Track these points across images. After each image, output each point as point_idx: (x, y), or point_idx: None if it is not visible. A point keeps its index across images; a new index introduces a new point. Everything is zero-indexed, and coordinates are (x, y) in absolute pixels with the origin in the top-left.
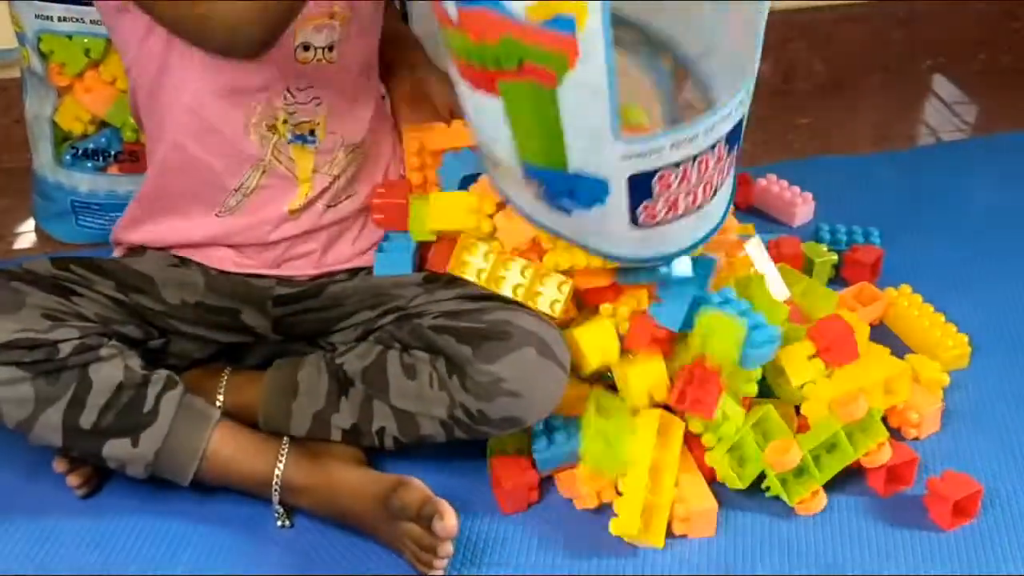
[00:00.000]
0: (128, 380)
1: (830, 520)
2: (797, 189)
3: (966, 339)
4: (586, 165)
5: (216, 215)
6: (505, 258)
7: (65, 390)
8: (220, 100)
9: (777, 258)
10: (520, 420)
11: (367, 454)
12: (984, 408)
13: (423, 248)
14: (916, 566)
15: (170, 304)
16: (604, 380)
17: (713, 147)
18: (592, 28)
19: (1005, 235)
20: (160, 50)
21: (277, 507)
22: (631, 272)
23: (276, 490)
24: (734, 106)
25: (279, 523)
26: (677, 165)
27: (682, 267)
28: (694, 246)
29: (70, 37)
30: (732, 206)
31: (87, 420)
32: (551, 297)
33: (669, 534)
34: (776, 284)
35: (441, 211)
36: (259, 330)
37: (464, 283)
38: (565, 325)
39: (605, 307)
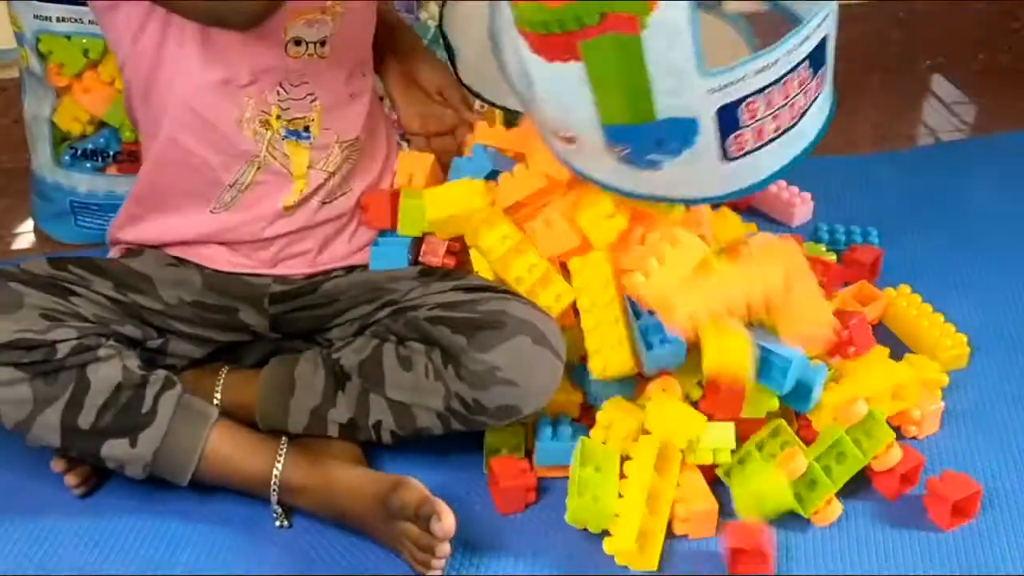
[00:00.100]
0: (126, 380)
1: None
2: (796, 189)
3: (965, 339)
4: (673, 109)
5: (211, 211)
6: (522, 247)
7: (63, 391)
8: (212, 95)
9: None
10: (516, 409)
11: (366, 454)
12: (983, 408)
13: (416, 242)
14: (915, 566)
15: (168, 303)
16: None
17: (795, 69)
18: None
19: (1004, 235)
20: (153, 46)
21: (275, 507)
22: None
23: (274, 490)
24: (813, 28)
25: (277, 523)
26: (761, 91)
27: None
28: (785, 169)
29: (69, 37)
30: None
31: (85, 420)
32: (544, 304)
33: (669, 534)
34: None
35: (439, 200)
36: (257, 328)
37: (460, 275)
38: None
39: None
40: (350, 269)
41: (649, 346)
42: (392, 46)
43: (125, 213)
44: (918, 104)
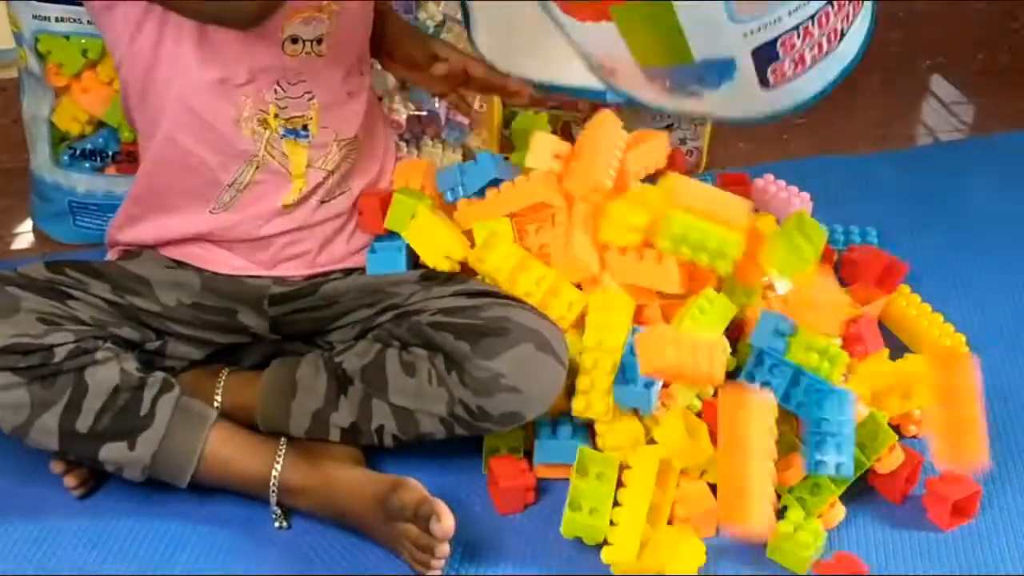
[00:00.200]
0: (124, 383)
1: None
2: (795, 189)
3: (964, 339)
4: (710, 52)
5: (210, 212)
6: (525, 263)
7: (61, 395)
8: (209, 93)
9: None
10: (520, 415)
11: (365, 454)
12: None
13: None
14: (915, 566)
15: (166, 305)
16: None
17: (830, 1)
18: None
19: (1004, 235)
20: (150, 45)
21: (275, 508)
22: None
23: (274, 491)
24: None
25: (277, 524)
26: (796, 28)
27: None
28: (827, 89)
29: (67, 37)
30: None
31: (83, 424)
32: (557, 314)
33: None
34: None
35: (423, 236)
36: (256, 330)
37: (461, 279)
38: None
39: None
40: (349, 272)
41: (624, 381)
42: (385, 35)
43: (124, 213)
44: (918, 104)
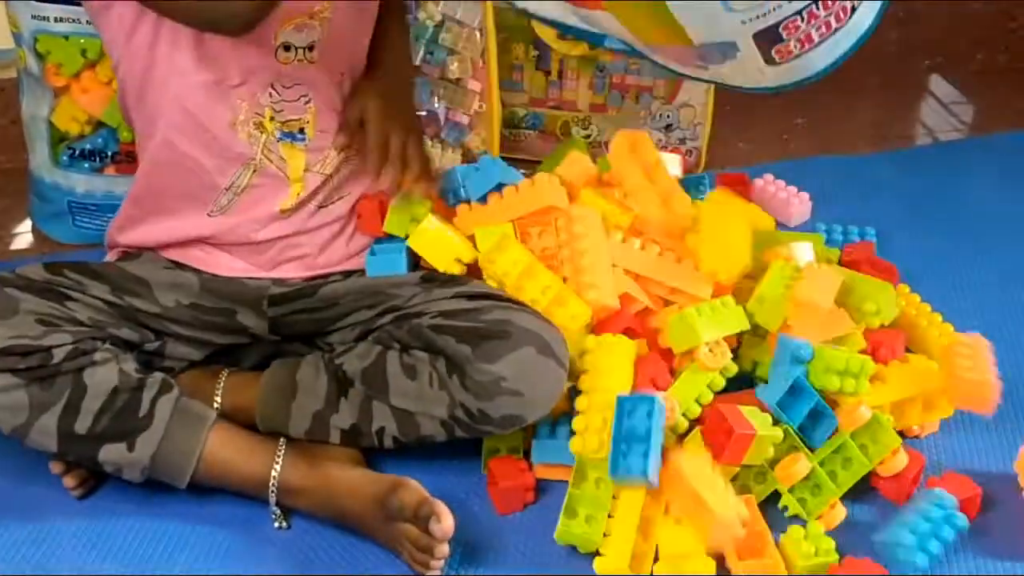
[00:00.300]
0: (123, 384)
1: None
2: (794, 189)
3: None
4: (710, 38)
5: (208, 215)
6: (532, 270)
7: (60, 396)
8: (205, 96)
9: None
10: (521, 419)
11: (365, 455)
12: None
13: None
14: None
15: (165, 306)
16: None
17: None
18: None
19: (1003, 235)
20: (147, 46)
21: (274, 508)
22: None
23: (273, 491)
24: None
25: (276, 524)
26: (799, 12)
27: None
28: (838, 62)
29: (66, 37)
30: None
31: (82, 425)
32: (560, 324)
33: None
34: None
35: (426, 240)
36: (256, 331)
37: (462, 281)
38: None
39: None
40: (348, 273)
41: (621, 453)
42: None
43: (124, 214)
44: (916, 104)
